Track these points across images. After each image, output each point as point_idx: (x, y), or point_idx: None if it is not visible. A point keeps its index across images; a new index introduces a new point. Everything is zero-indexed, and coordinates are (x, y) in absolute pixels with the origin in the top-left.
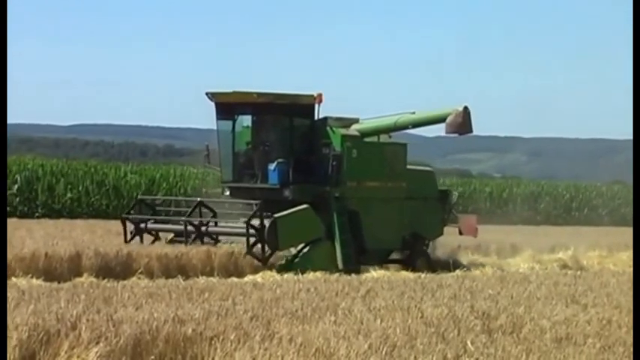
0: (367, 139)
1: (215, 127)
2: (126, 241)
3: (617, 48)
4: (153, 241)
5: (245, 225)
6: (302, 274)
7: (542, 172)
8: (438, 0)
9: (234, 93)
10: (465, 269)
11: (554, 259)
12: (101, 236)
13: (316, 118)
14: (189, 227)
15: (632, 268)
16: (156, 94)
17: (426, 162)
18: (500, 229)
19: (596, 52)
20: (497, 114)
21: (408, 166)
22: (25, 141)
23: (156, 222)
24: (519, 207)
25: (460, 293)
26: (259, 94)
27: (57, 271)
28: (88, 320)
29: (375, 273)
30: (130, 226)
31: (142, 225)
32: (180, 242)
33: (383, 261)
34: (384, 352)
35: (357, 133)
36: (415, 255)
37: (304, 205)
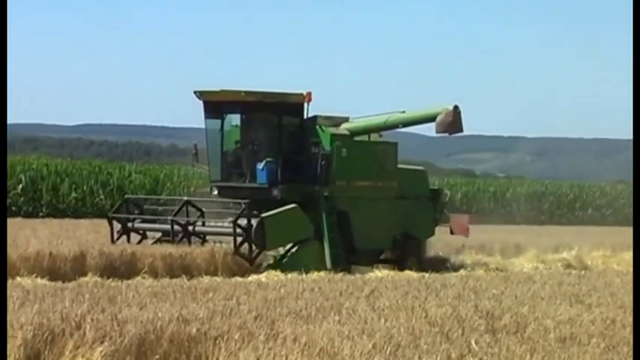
0: (357, 138)
1: (203, 126)
2: (112, 241)
3: (623, 48)
4: (140, 241)
5: (232, 225)
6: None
7: (546, 172)
8: None
9: (222, 92)
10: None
11: (558, 258)
12: (105, 236)
13: (305, 116)
14: (176, 227)
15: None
16: (160, 94)
17: (429, 162)
18: (504, 229)
19: (600, 52)
20: (500, 114)
21: (400, 166)
22: (30, 141)
23: (143, 221)
24: (523, 207)
25: (464, 293)
26: (247, 93)
27: (61, 270)
28: (92, 320)
29: (379, 273)
30: (117, 226)
31: (129, 224)
32: (167, 242)
33: (373, 261)
34: (388, 352)
35: (346, 132)
36: (406, 255)
37: (292, 205)
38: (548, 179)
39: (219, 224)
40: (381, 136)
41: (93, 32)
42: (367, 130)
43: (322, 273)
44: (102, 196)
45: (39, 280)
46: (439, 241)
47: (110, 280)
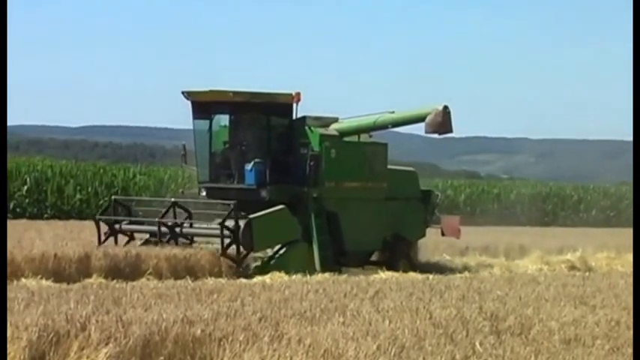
0: (347, 139)
1: (192, 127)
2: (99, 243)
3: (628, 49)
4: (127, 242)
5: (219, 226)
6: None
7: (549, 174)
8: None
9: (210, 92)
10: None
11: (562, 260)
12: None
13: (294, 117)
14: (163, 228)
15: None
16: (164, 96)
17: (433, 163)
18: (508, 231)
19: (605, 53)
20: (504, 115)
21: (390, 166)
22: (35, 142)
23: (130, 223)
24: (527, 208)
25: (468, 294)
26: (235, 93)
27: (66, 272)
28: (97, 321)
29: (383, 274)
30: (105, 227)
31: (117, 226)
32: (154, 243)
33: (364, 262)
34: (392, 354)
35: (335, 133)
36: (397, 256)
37: (280, 206)
38: (552, 181)
39: (207, 225)
40: (370, 136)
41: (96, 34)
42: (356, 131)
43: (327, 274)
44: (106, 198)
45: (44, 282)
46: (442, 243)
47: (115, 281)
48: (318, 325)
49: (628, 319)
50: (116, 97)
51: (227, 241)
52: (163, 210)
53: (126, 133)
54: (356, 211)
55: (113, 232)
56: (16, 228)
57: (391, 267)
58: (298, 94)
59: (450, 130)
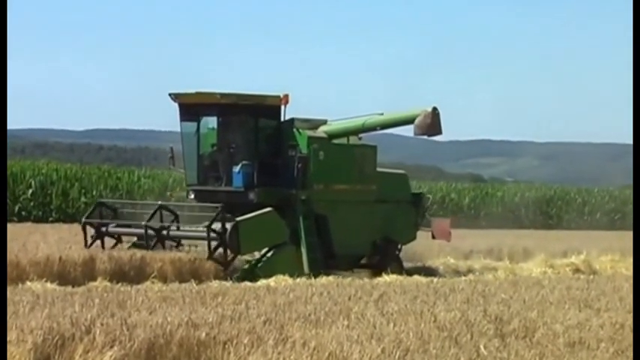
0: (336, 141)
1: (179, 129)
2: (86, 246)
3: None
4: (114, 245)
5: (205, 230)
6: (265, 279)
7: (554, 177)
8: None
9: (198, 94)
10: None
11: (566, 263)
12: (111, 240)
13: (282, 119)
14: (150, 231)
15: None
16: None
17: (437, 166)
18: (512, 234)
19: (609, 56)
20: (509, 118)
21: (380, 169)
22: (40, 146)
23: (117, 225)
24: (531, 211)
25: (473, 297)
26: (223, 95)
27: (71, 275)
28: (102, 324)
29: (387, 277)
30: (91, 231)
31: (103, 229)
32: (142, 247)
33: (353, 266)
34: (397, 357)
35: (324, 135)
36: (387, 260)
37: (267, 209)
38: (556, 184)
39: (194, 228)
40: (360, 138)
41: (102, 37)
42: (345, 133)
43: (331, 277)
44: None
45: (49, 285)
46: (447, 246)
47: (119, 284)
48: (322, 328)
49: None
50: (121, 100)
51: (214, 244)
52: (150, 212)
53: (130, 137)
54: (345, 213)
55: (100, 236)
56: (21, 231)
57: (381, 270)
58: (286, 96)
59: (439, 132)
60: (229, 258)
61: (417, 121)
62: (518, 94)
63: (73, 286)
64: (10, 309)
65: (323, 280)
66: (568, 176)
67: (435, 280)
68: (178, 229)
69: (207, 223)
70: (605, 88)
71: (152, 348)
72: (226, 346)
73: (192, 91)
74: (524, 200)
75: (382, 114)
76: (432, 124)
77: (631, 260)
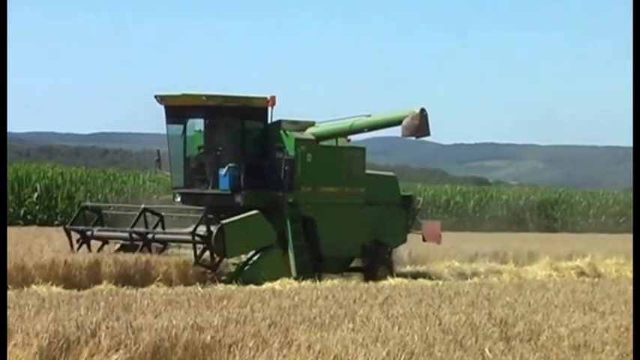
0: (324, 143)
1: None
2: (72, 250)
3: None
4: (100, 247)
5: (190, 234)
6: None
7: (559, 180)
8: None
9: (183, 96)
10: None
11: (571, 266)
12: (116, 243)
13: (269, 121)
14: (134, 235)
15: None
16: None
17: (442, 170)
18: (517, 237)
19: (613, 58)
20: (513, 122)
21: (369, 171)
22: (45, 149)
23: (102, 230)
24: (536, 214)
25: (478, 300)
26: (208, 97)
27: (76, 278)
28: (107, 328)
29: (392, 280)
30: (76, 235)
31: (88, 233)
32: (129, 249)
33: (343, 269)
34: None
35: (311, 137)
36: (377, 263)
37: (254, 211)
38: (561, 187)
39: (180, 231)
40: (349, 140)
41: (107, 41)
42: (333, 135)
43: (336, 281)
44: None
45: (54, 288)
46: (453, 248)
47: (125, 288)
48: (327, 332)
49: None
50: (126, 104)
51: (200, 248)
52: (136, 215)
53: (135, 140)
54: (333, 216)
55: (85, 240)
56: (26, 234)
57: (370, 273)
58: (273, 97)
59: (427, 133)
60: (216, 261)
61: (404, 123)
62: (523, 97)
63: (79, 290)
64: (15, 312)
65: (328, 283)
66: (573, 179)
67: (440, 283)
68: (163, 228)
69: (192, 228)
70: (611, 90)
71: (157, 351)
72: (231, 349)
73: (179, 93)
74: (529, 203)
75: (370, 115)
76: (420, 125)
77: None
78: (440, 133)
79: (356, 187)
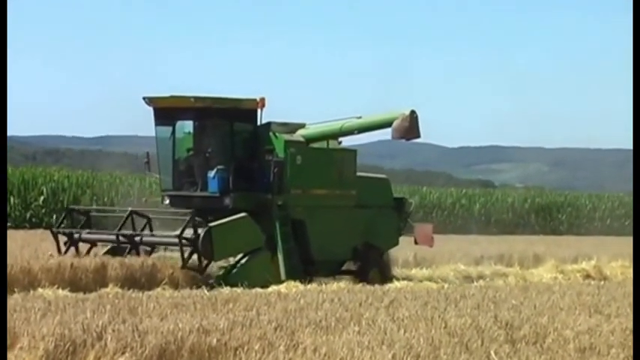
0: (314, 145)
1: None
2: (59, 254)
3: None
4: (89, 249)
5: (177, 237)
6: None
7: (564, 183)
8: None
9: (172, 97)
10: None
11: (577, 269)
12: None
13: (259, 123)
14: (122, 238)
15: None
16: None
17: (448, 173)
18: (522, 239)
19: (618, 61)
20: (519, 124)
21: (360, 174)
22: (51, 152)
23: (90, 232)
24: (542, 217)
25: (483, 303)
26: (197, 99)
27: (82, 281)
28: (113, 330)
29: (398, 283)
30: (63, 238)
31: (76, 235)
32: (117, 252)
33: (334, 272)
34: None
35: (301, 139)
36: (368, 266)
37: (242, 214)
38: (566, 189)
39: (167, 234)
40: (340, 142)
41: (111, 44)
42: (323, 137)
43: (342, 283)
44: (121, 208)
45: (60, 292)
46: (458, 251)
47: (131, 291)
48: (333, 335)
49: None
50: (132, 107)
51: (188, 251)
52: (123, 217)
53: (142, 143)
54: (324, 219)
55: (73, 242)
56: (32, 238)
57: (362, 277)
58: (263, 99)
59: (418, 136)
60: (204, 264)
61: (394, 125)
62: (527, 100)
63: (85, 293)
64: (21, 315)
65: (334, 286)
66: (578, 182)
67: (446, 286)
68: (151, 230)
69: (177, 233)
70: (616, 94)
71: (163, 354)
72: (237, 352)
73: (167, 94)
74: (535, 206)
75: (360, 117)
76: (410, 127)
77: None
78: (445, 136)
79: (347, 190)
